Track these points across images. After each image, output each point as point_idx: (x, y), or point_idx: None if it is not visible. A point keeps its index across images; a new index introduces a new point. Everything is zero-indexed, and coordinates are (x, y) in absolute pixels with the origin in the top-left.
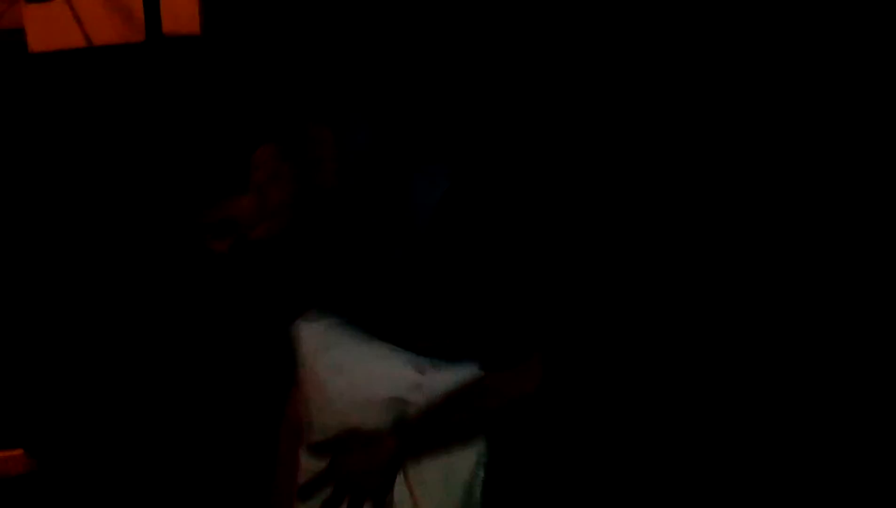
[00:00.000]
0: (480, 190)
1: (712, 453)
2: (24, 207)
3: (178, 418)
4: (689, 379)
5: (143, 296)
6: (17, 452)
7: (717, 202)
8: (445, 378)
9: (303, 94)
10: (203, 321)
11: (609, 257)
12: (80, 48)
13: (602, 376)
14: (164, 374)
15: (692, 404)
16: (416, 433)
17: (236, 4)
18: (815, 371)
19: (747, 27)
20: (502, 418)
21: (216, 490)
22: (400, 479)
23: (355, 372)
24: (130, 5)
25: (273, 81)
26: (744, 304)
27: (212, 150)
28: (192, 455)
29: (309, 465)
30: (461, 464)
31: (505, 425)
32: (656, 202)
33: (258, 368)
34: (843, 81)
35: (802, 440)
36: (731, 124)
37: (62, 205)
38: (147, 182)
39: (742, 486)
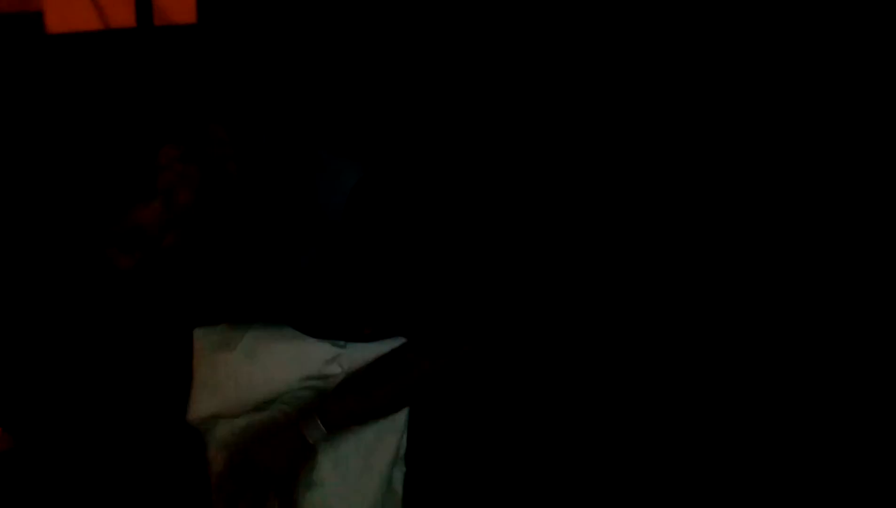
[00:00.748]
0: (390, 181)
1: (645, 446)
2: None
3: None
4: (620, 370)
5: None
6: None
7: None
8: (363, 350)
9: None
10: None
11: (529, 238)
12: (96, 31)
13: (531, 370)
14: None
15: (629, 397)
16: (332, 411)
17: None
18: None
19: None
20: (422, 394)
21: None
22: (315, 465)
23: (267, 355)
24: None
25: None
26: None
27: (113, 152)
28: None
29: (218, 458)
30: (381, 452)
31: (427, 412)
32: (576, 186)
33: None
34: (843, 81)
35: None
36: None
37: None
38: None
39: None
